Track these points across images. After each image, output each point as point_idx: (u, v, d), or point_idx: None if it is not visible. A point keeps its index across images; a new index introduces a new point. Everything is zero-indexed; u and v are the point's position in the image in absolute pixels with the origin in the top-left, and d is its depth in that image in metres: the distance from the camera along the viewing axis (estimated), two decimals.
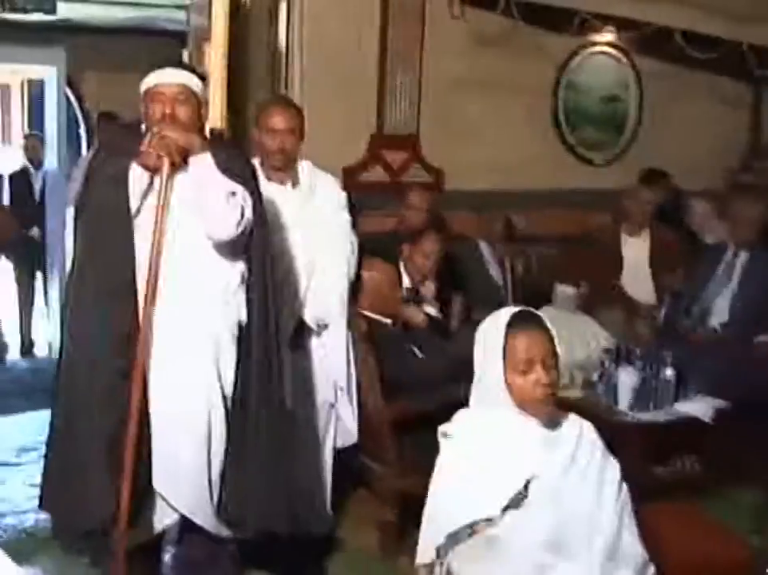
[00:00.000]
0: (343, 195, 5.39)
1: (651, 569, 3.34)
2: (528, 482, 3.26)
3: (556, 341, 3.37)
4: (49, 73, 9.35)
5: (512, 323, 3.31)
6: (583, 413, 3.63)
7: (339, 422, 5.34)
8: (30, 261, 10.01)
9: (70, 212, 5.64)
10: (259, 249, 4.31)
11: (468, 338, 3.56)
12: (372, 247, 6.09)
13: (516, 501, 3.24)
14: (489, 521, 3.21)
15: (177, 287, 4.18)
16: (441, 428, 3.45)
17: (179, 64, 4.34)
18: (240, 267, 4.32)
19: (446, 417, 3.49)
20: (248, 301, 4.31)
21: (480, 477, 3.26)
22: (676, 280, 7.67)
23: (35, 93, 15.56)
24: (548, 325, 3.38)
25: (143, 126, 4.26)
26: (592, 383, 6.33)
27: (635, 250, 7.79)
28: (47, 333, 9.91)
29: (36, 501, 4.44)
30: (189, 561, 4.60)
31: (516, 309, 3.42)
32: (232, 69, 6.48)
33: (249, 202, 4.19)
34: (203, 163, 4.10)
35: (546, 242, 8.36)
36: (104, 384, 4.09)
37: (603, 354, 6.42)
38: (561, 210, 8.40)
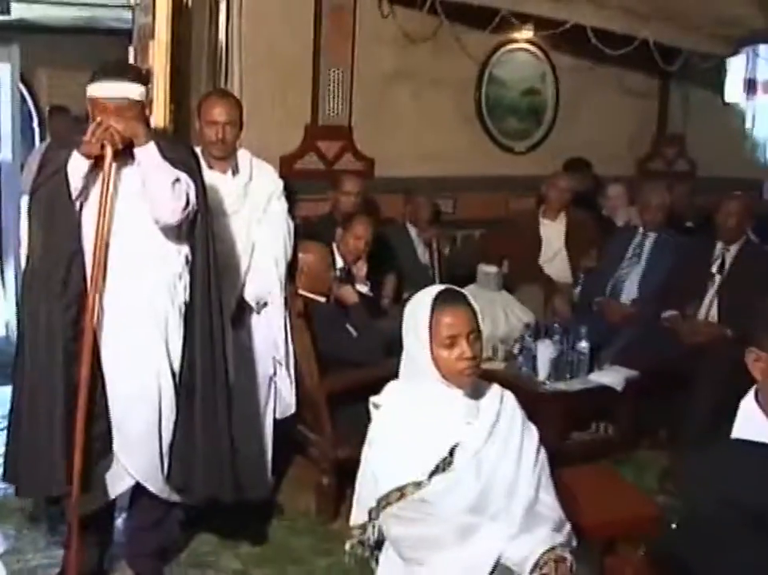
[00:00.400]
0: (280, 182, 5.38)
1: (567, 527, 3.35)
2: (453, 449, 3.27)
3: (479, 317, 3.37)
4: (3, 70, 9.21)
5: (438, 301, 3.31)
6: (505, 383, 3.64)
7: (279, 394, 5.34)
8: None
9: (24, 200, 5.57)
10: (202, 233, 4.29)
11: (397, 315, 3.56)
12: (307, 231, 6.10)
13: (443, 467, 3.25)
14: (417, 485, 3.22)
15: (127, 271, 4.17)
16: (372, 399, 3.45)
17: (120, 71, 4.21)
18: (185, 251, 4.30)
19: (377, 389, 3.49)
20: (192, 282, 4.29)
21: (409, 444, 3.27)
22: (590, 260, 7.73)
23: None
24: (472, 302, 3.38)
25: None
26: (514, 356, 6.38)
27: (553, 232, 7.84)
28: (5, 313, 9.79)
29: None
30: (139, 526, 4.59)
31: (442, 287, 3.42)
32: (175, 65, 6.44)
33: (192, 188, 4.17)
34: (148, 152, 4.07)
35: (470, 225, 8.42)
36: (57, 363, 4.06)
37: (523, 329, 6.47)
38: (484, 195, 8.47)
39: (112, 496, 4.34)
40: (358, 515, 3.43)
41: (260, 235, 5.19)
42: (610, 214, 8.48)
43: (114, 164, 4.06)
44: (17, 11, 9.32)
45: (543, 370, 6.13)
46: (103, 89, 4.09)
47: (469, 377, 3.31)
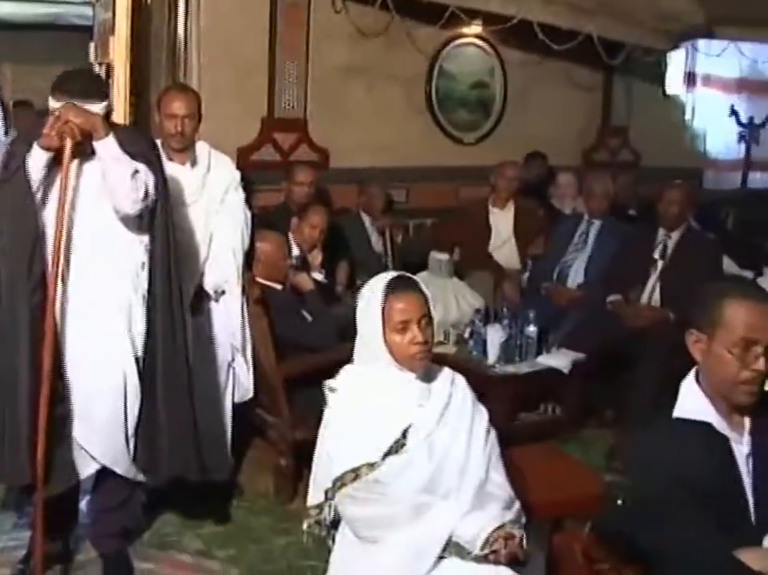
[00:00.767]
0: (237, 173, 5.36)
1: (517, 505, 3.36)
2: (406, 431, 3.28)
3: (431, 303, 3.38)
4: None
5: (391, 287, 3.31)
6: (457, 367, 3.66)
7: (237, 379, 5.31)
8: None
9: None
10: (162, 223, 4.25)
11: (351, 301, 3.56)
12: (264, 220, 6.07)
13: (396, 448, 3.26)
14: (371, 466, 3.22)
15: (91, 261, 4.14)
16: (328, 383, 3.45)
17: (83, 91, 4.13)
18: (146, 241, 4.27)
19: (333, 373, 3.49)
20: (152, 270, 4.26)
21: (363, 426, 3.27)
22: (538, 247, 7.76)
23: None
24: (423, 288, 3.39)
25: None
26: (465, 340, 6.39)
27: (502, 220, 7.86)
28: None
29: None
30: (103, 507, 4.56)
31: (394, 274, 3.43)
32: (135, 59, 6.44)
33: (152, 180, 4.14)
34: (107, 145, 4.03)
35: (422, 214, 8.43)
36: (21, 353, 4.03)
37: (474, 314, 6.48)
38: (436, 185, 8.49)
39: (77, 480, 4.30)
40: (314, 495, 3.42)
41: (218, 225, 5.17)
42: (559, 203, 8.51)
43: (76, 158, 4.02)
44: None
45: (493, 353, 6.14)
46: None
47: (420, 361, 3.32)
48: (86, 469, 4.28)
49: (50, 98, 4.10)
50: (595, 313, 6.69)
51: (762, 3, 8.56)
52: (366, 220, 7.55)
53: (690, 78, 10.56)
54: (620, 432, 6.11)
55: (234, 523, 5.09)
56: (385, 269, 6.21)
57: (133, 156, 4.09)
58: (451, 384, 3.44)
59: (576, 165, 9.32)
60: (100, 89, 4.33)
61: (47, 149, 3.96)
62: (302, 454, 4.49)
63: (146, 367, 4.26)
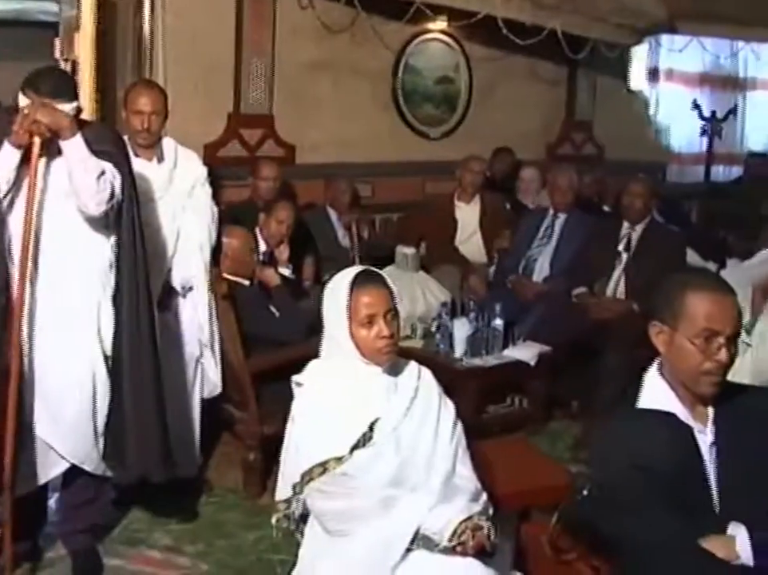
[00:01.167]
0: (204, 169, 5.32)
1: (484, 497, 3.36)
2: (373, 424, 3.27)
3: (396, 297, 3.38)
4: None
5: (357, 282, 3.31)
6: (424, 360, 3.66)
7: (205, 375, 5.29)
8: None
9: None
10: (129, 221, 4.22)
11: (318, 296, 3.55)
12: (231, 216, 6.05)
13: (363, 442, 3.26)
14: (339, 460, 3.22)
15: (60, 260, 4.11)
16: (294, 378, 3.44)
17: (54, 91, 4.08)
18: (114, 239, 4.24)
19: (300, 367, 3.48)
20: (120, 267, 4.23)
21: (330, 420, 3.26)
22: (504, 241, 7.77)
23: None
24: (389, 282, 3.38)
25: None
26: (431, 334, 6.38)
27: (468, 214, 7.88)
28: None
29: None
30: (72, 504, 4.53)
31: (360, 269, 3.42)
32: (101, 56, 6.37)
33: (118, 179, 4.11)
34: (73, 146, 3.99)
35: (388, 208, 8.44)
36: None
37: (440, 308, 6.48)
38: (401, 179, 8.50)
39: (46, 479, 4.29)
40: (282, 490, 3.41)
41: (185, 221, 5.13)
42: (523, 197, 8.52)
43: (44, 156, 3.98)
44: None
45: (459, 347, 6.16)
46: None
47: (387, 355, 3.32)
48: (55, 468, 4.26)
49: (20, 95, 4.07)
50: (561, 306, 6.71)
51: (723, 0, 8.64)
52: (333, 215, 7.54)
53: (653, 73, 10.64)
54: (586, 423, 6.13)
55: (203, 518, 5.07)
56: (351, 264, 6.20)
57: (100, 155, 4.06)
58: (418, 378, 3.44)
59: (540, 159, 9.35)
60: (70, 88, 4.28)
61: (17, 147, 3.93)
62: (271, 449, 4.47)
63: (114, 364, 4.24)
